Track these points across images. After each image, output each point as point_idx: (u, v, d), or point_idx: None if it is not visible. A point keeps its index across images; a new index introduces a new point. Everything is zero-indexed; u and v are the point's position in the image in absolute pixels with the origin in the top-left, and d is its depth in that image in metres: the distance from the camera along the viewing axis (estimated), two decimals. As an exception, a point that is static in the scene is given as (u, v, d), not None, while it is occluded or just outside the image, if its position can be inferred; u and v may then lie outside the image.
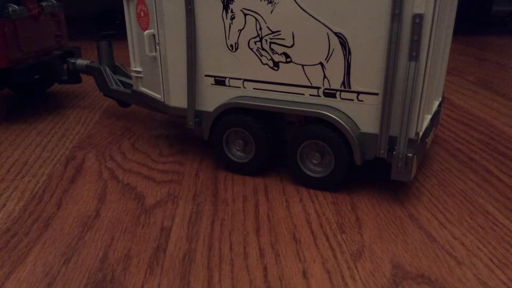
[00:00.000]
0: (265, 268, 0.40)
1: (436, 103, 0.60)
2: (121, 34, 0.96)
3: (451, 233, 0.45)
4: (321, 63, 0.49)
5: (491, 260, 0.41)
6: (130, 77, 0.79)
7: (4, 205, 0.51)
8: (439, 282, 0.38)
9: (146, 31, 0.58)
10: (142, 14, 0.60)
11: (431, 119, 0.57)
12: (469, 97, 0.93)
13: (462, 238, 0.44)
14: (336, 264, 0.40)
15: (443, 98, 0.66)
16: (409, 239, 0.44)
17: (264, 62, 0.52)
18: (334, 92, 0.50)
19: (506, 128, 0.74)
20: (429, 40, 0.44)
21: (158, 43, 0.58)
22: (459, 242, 0.43)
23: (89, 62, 0.82)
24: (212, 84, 0.56)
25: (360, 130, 0.50)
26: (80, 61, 0.82)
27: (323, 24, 0.48)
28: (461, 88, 1.00)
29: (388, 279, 0.38)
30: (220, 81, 0.55)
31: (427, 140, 0.52)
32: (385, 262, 0.41)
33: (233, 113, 0.55)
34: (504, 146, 0.66)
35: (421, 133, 0.48)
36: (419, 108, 0.46)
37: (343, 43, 0.48)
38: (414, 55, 0.44)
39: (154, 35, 0.58)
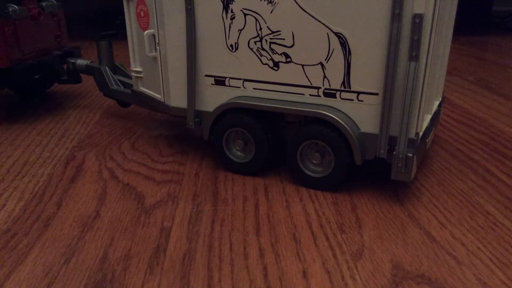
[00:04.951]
0: (265, 268, 0.40)
1: (436, 103, 0.60)
2: (121, 34, 0.97)
3: (451, 233, 0.45)
4: (321, 63, 0.49)
5: (491, 260, 0.41)
6: (130, 77, 0.79)
7: (4, 205, 0.51)
8: (439, 282, 0.38)
9: (146, 31, 0.58)
10: (142, 14, 0.60)
11: (431, 119, 0.57)
12: (469, 97, 0.93)
13: (462, 238, 0.44)
14: (336, 264, 0.40)
15: (443, 98, 0.66)
16: (409, 239, 0.44)
17: (264, 62, 0.52)
18: (334, 92, 0.50)
19: (506, 128, 0.74)
20: (429, 40, 0.44)
21: (158, 43, 0.58)
22: (459, 242, 0.43)
23: (89, 62, 0.82)
24: (212, 84, 0.56)
25: (360, 130, 0.50)
26: (80, 61, 0.82)
27: (323, 24, 0.48)
28: (461, 88, 1.00)
29: (388, 279, 0.38)
30: (220, 81, 0.55)
31: (427, 140, 0.52)
32: (385, 262, 0.41)
33: (233, 113, 0.55)
34: (504, 146, 0.66)
35: (421, 133, 0.48)
36: (419, 108, 0.46)
37: (343, 43, 0.48)
38: (414, 55, 0.44)
39: (154, 35, 0.58)
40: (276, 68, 0.52)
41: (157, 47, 0.58)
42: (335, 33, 0.48)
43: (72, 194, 0.53)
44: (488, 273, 0.39)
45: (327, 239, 0.44)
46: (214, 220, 0.47)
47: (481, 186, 0.54)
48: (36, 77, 0.77)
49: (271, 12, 0.50)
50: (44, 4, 0.82)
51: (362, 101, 0.49)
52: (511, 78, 1.09)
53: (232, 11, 0.52)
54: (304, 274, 0.39)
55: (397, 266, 0.40)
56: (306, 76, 0.51)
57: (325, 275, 0.39)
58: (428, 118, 0.54)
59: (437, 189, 0.53)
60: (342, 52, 0.48)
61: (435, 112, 0.59)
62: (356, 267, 0.40)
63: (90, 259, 0.41)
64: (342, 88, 0.49)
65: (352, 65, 0.48)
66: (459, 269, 0.39)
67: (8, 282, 0.38)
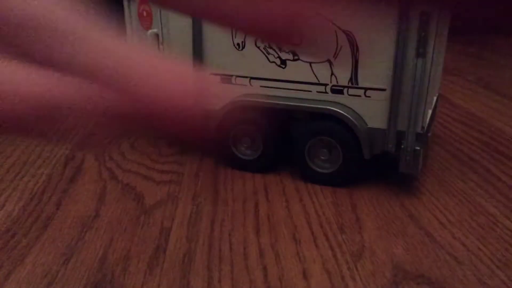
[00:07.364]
0: (265, 268, 0.40)
1: (435, 98, 0.61)
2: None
3: (452, 233, 0.45)
4: (329, 60, 0.50)
5: (491, 260, 0.41)
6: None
7: (4, 205, 0.51)
8: (439, 282, 0.38)
9: (150, 31, 0.58)
10: (144, 14, 0.60)
11: (431, 114, 0.57)
12: (469, 97, 0.93)
13: (462, 238, 0.44)
14: (336, 264, 0.40)
15: (439, 94, 0.66)
16: (409, 239, 0.44)
17: (271, 60, 0.52)
18: (342, 88, 0.50)
19: (506, 128, 0.74)
20: (436, 37, 0.44)
21: (162, 42, 0.58)
22: (459, 242, 0.43)
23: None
24: (218, 82, 0.56)
25: (367, 125, 0.50)
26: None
27: (331, 21, 0.48)
28: (461, 88, 1.00)
29: (388, 279, 0.38)
30: (226, 79, 0.55)
31: (429, 134, 0.52)
32: (385, 262, 0.40)
33: (240, 110, 0.55)
34: (504, 146, 0.66)
35: (425, 127, 0.49)
36: (425, 103, 0.47)
37: (351, 40, 0.48)
38: (421, 52, 0.44)
39: (157, 34, 0.58)
40: (283, 66, 0.52)
41: (160, 46, 0.58)
42: (343, 31, 0.48)
43: (71, 194, 0.53)
44: (488, 273, 0.39)
45: (327, 239, 0.44)
46: (214, 220, 0.47)
47: (481, 186, 0.54)
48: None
49: (272, 12, 0.50)
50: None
51: (370, 97, 0.49)
52: (511, 78, 1.09)
53: (233, 11, 0.52)
54: (304, 274, 0.39)
55: (397, 266, 0.40)
56: (314, 73, 0.51)
57: (325, 275, 0.39)
58: (429, 112, 0.55)
59: (437, 189, 0.53)
60: (350, 49, 0.48)
61: (434, 107, 0.59)
62: (356, 267, 0.40)
63: (89, 259, 0.41)
64: (350, 85, 0.50)
65: (359, 61, 0.48)
66: (459, 269, 0.39)
67: (8, 282, 0.38)
